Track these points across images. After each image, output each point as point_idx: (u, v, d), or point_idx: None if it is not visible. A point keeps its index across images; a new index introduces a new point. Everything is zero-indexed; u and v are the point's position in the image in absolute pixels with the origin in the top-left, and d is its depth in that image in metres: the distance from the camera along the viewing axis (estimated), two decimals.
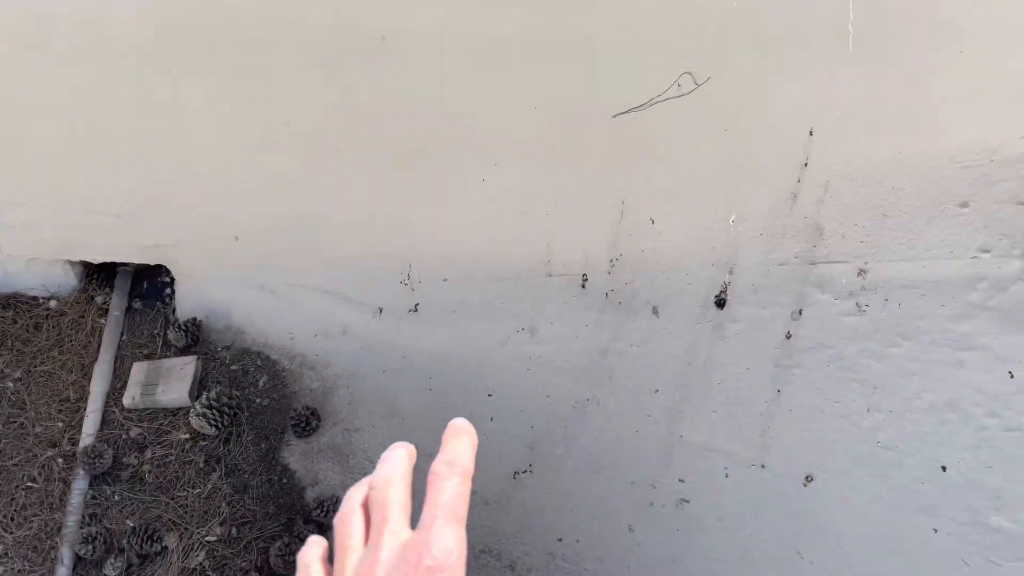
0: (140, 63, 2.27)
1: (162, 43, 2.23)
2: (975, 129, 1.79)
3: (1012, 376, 1.92)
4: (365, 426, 2.96)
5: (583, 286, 2.27)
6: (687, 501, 2.28)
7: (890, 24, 1.69)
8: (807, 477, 2.09)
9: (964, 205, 1.89)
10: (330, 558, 0.64)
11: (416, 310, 2.70)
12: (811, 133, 1.88)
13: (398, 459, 0.64)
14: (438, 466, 0.61)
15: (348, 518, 0.63)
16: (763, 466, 2.15)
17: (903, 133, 1.80)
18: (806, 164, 1.93)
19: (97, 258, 3.28)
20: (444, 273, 2.54)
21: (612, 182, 2.10)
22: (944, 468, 1.95)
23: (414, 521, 0.61)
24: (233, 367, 3.30)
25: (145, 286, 3.62)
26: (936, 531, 1.92)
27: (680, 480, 2.29)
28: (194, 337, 3.32)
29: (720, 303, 2.13)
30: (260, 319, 3.30)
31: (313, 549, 0.65)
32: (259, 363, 3.29)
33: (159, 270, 3.49)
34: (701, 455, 2.21)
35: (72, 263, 3.45)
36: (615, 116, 1.96)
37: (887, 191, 1.90)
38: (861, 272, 2.00)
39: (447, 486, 0.60)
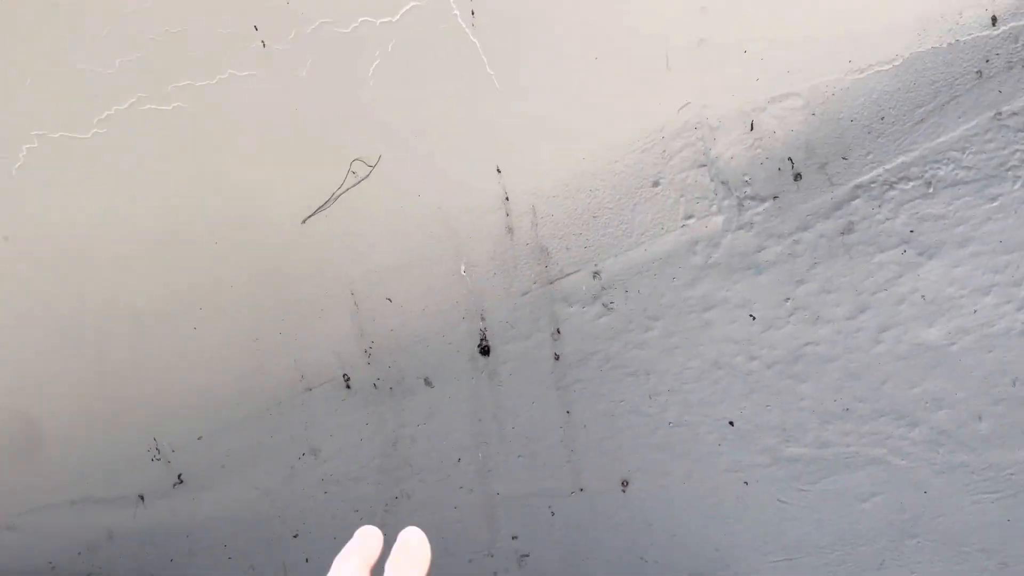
0: None
1: None
2: (640, 115, 1.91)
3: (753, 318, 2.06)
4: None
5: (348, 387, 2.13)
6: (527, 555, 2.21)
7: (517, 54, 1.76)
8: (623, 483, 2.10)
9: (656, 184, 2.01)
10: None
11: (181, 481, 2.40)
12: (499, 170, 1.92)
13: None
14: None
15: None
16: (581, 490, 2.13)
17: (576, 140, 1.88)
18: (507, 198, 1.95)
19: None
20: (195, 431, 2.28)
21: (336, 278, 2.00)
22: (731, 423, 2.04)
23: None
24: None
25: None
26: (747, 483, 2.01)
27: (513, 537, 2.21)
28: None
29: (484, 351, 2.10)
30: (9, 563, 2.79)
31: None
32: None
33: None
34: (523, 505, 2.15)
35: None
36: (304, 221, 1.90)
37: (588, 195, 1.98)
38: (595, 275, 2.05)
39: None
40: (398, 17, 1.78)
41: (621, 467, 2.09)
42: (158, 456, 2.38)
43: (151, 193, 1.98)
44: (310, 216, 1.89)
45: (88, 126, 1.96)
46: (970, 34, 2.01)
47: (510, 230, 2.00)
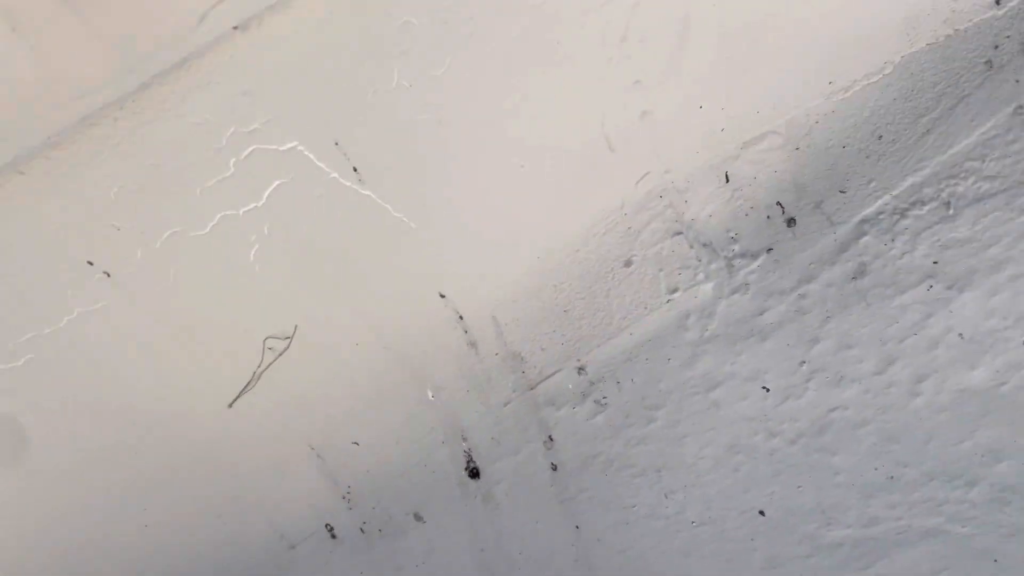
0: None
1: None
2: (592, 200, 1.66)
3: (767, 390, 1.80)
4: None
5: (333, 536, 1.95)
6: None
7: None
8: None
9: (628, 263, 1.75)
10: None
11: None
12: (442, 295, 1.68)
13: None
14: None
15: None
16: None
17: (519, 244, 1.64)
18: (461, 317, 1.72)
19: None
20: None
21: (289, 439, 1.80)
22: (762, 513, 1.80)
23: None
24: None
25: None
26: None
27: None
28: None
29: (473, 473, 1.88)
30: None
31: None
32: None
33: None
34: None
35: None
36: (231, 405, 1.70)
37: (553, 291, 1.73)
38: (580, 370, 1.81)
39: None
40: (264, 200, 1.55)
41: None
42: None
43: (76, 423, 1.80)
44: (235, 399, 1.69)
45: None
46: (971, 20, 1.67)
47: (472, 345, 1.77)
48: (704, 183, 1.71)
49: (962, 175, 1.72)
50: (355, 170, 1.21)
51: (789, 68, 1.62)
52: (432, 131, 1.35)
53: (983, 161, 1.71)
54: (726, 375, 1.80)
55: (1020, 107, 1.69)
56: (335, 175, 1.34)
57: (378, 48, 1.32)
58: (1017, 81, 1.68)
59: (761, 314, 1.78)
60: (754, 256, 1.76)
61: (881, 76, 1.70)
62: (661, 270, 1.77)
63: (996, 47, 1.68)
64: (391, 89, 1.28)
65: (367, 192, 1.31)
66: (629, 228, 1.72)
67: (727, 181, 1.72)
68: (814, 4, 1.52)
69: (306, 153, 1.42)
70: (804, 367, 1.78)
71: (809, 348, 1.78)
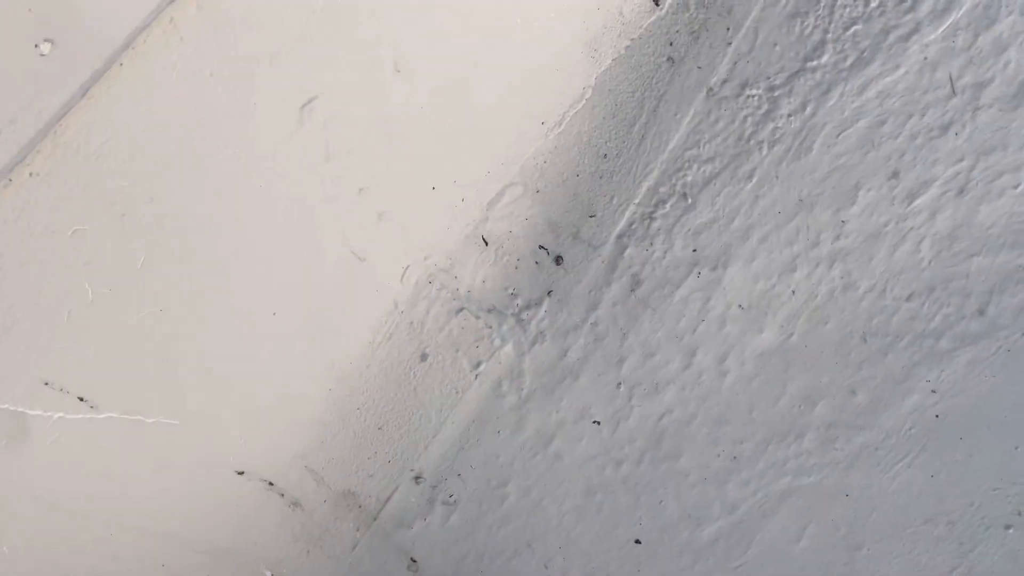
0: None
1: None
2: (360, 315, 1.57)
3: (598, 423, 1.80)
4: None
5: None
6: None
7: None
8: None
9: (424, 357, 1.69)
10: None
11: None
12: (240, 472, 1.51)
13: None
14: None
15: None
16: None
17: (313, 375, 1.51)
18: (271, 484, 1.56)
19: None
20: None
21: None
22: (638, 541, 1.79)
23: None
24: None
25: None
26: None
27: None
28: None
29: None
30: None
31: None
32: None
33: None
34: None
35: None
36: None
37: (358, 415, 1.63)
38: (418, 479, 1.73)
39: None
40: None
41: None
42: None
43: None
44: None
45: None
46: (641, 26, 1.77)
47: (295, 504, 1.62)
48: (466, 254, 1.68)
49: (687, 165, 1.82)
50: (81, 399, 1.04)
51: (500, 123, 1.63)
52: (160, 325, 1.19)
53: (699, 147, 1.82)
54: (556, 424, 1.78)
55: (710, 89, 1.82)
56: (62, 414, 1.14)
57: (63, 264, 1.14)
58: (699, 68, 1.80)
59: (565, 355, 1.78)
60: (538, 304, 1.76)
61: (584, 102, 1.76)
62: (458, 350, 1.71)
63: (671, 43, 1.79)
64: (88, 303, 1.11)
65: (107, 414, 1.13)
66: (411, 323, 1.65)
67: (486, 244, 1.71)
68: (500, 54, 1.53)
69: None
70: (621, 388, 1.80)
71: (619, 369, 1.80)
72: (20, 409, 0.95)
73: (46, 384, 1.00)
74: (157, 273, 1.12)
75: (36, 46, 0.74)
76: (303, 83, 1.11)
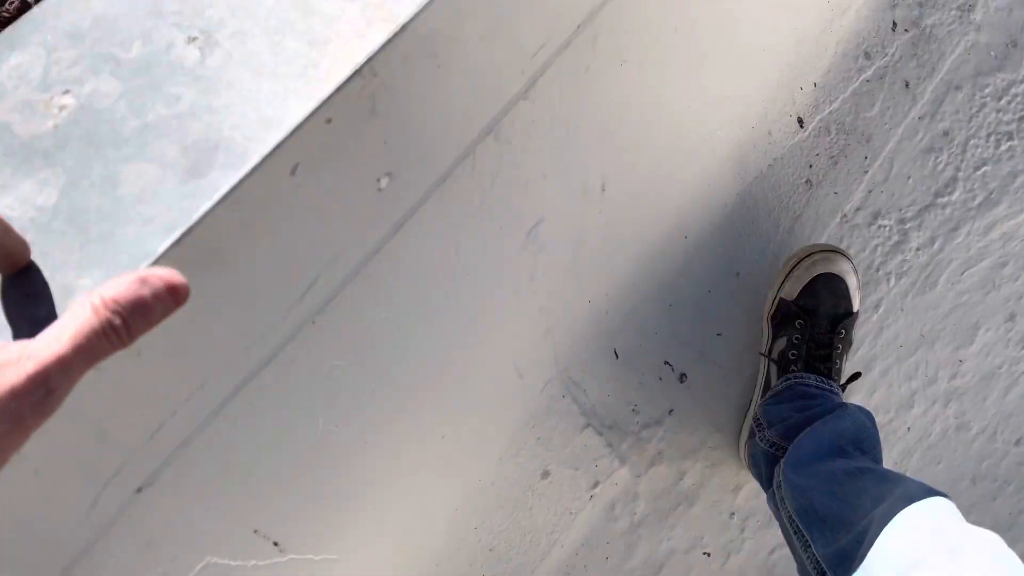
0: None
1: None
2: (511, 423, 1.45)
3: (708, 555, 1.70)
4: None
5: None
6: None
7: None
8: None
9: (546, 475, 1.58)
10: None
11: None
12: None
13: None
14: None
15: None
16: None
17: (445, 496, 1.38)
18: None
19: None
20: None
21: None
22: None
23: None
24: None
25: None
26: None
27: None
28: None
29: None
30: None
31: None
32: None
33: None
34: None
35: None
36: None
37: (474, 535, 1.49)
38: None
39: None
40: None
41: None
42: None
43: None
44: None
45: None
46: (784, 146, 1.73)
47: None
48: (597, 367, 1.58)
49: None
50: (275, 544, 0.91)
51: (643, 242, 1.56)
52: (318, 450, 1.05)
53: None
54: (666, 554, 1.68)
55: (844, 215, 1.78)
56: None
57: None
58: (836, 193, 1.76)
59: (681, 479, 1.68)
60: (659, 422, 1.66)
61: (723, 218, 1.70)
62: (577, 469, 1.61)
63: (810, 166, 1.75)
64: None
65: (289, 556, 0.99)
66: (539, 439, 1.54)
67: (617, 357, 1.61)
68: (643, 174, 1.45)
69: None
70: (734, 519, 1.71)
71: (734, 497, 1.71)
72: (225, 561, 0.81)
73: (255, 532, 0.86)
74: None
75: (377, 180, 0.63)
76: (537, 205, 1.01)
